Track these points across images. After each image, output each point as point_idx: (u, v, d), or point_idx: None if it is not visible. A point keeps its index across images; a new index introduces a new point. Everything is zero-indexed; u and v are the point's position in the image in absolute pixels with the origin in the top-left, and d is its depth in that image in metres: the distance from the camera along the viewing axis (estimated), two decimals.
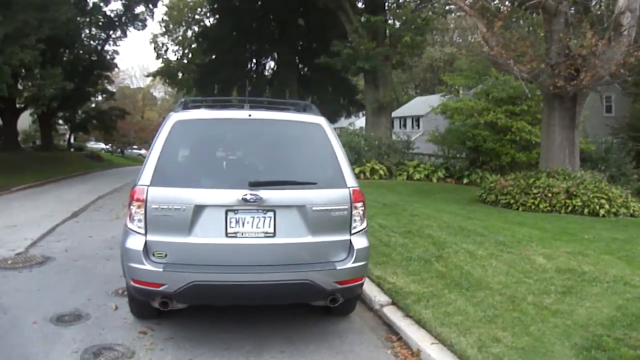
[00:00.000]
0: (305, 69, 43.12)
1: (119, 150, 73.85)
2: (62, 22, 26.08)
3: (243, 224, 5.23)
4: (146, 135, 67.88)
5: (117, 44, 57.63)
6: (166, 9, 53.90)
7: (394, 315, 6.23)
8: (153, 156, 5.38)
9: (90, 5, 39.59)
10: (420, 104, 57.34)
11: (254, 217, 5.24)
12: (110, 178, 29.22)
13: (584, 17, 16.49)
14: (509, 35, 17.56)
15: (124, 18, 43.95)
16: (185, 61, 51.93)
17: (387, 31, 28.59)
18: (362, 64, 26.91)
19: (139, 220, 5.21)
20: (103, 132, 57.58)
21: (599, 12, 17.09)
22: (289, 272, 5.22)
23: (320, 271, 5.31)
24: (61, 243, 10.47)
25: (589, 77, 15.06)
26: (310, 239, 5.34)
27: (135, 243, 5.20)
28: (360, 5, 30.94)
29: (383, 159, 25.11)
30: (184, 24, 54.47)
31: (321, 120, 5.92)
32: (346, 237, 5.50)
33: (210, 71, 41.76)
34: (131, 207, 5.28)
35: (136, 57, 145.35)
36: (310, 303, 5.85)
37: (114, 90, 59.62)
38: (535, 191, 15.07)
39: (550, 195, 14.80)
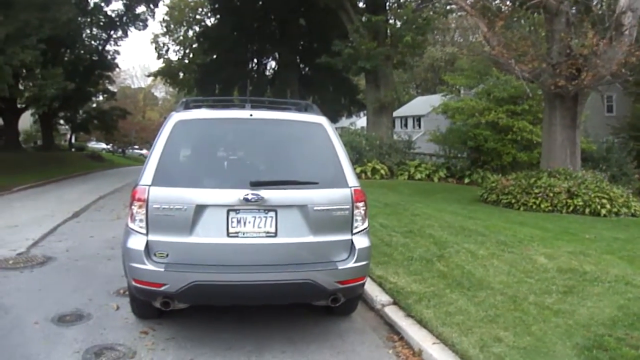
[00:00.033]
0: (307, 69, 43.13)
1: (120, 150, 73.91)
2: (63, 22, 26.13)
3: (244, 223, 5.23)
4: (147, 135, 67.88)
5: (118, 44, 57.75)
6: (167, 9, 53.94)
7: (395, 315, 6.23)
8: (154, 156, 5.37)
9: (91, 5, 39.67)
10: (421, 104, 57.26)
11: (255, 217, 5.24)
12: (111, 178, 29.24)
13: (585, 16, 16.48)
14: (510, 35, 17.56)
15: (125, 18, 44.01)
16: (186, 61, 51.91)
17: (388, 31, 28.58)
18: (363, 64, 26.90)
19: (141, 220, 5.21)
20: (104, 132, 57.60)
21: (600, 12, 17.08)
22: (291, 272, 5.22)
23: (322, 271, 5.30)
24: (62, 243, 10.48)
25: (590, 76, 15.06)
26: (311, 238, 5.33)
27: (137, 243, 5.20)
28: (361, 4, 30.91)
29: (384, 159, 25.10)
30: (185, 23, 54.46)
31: (322, 119, 5.92)
32: (348, 236, 5.50)
33: (211, 71, 41.76)
34: (132, 207, 5.28)
35: (137, 57, 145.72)
36: (312, 303, 5.85)
37: (115, 90, 59.63)
38: (536, 191, 15.06)
39: (551, 195, 14.80)
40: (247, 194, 5.17)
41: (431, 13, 30.23)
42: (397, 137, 29.95)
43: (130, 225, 5.30)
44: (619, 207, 14.60)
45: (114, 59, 47.08)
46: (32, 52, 23.12)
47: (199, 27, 51.47)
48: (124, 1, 42.51)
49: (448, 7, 30.16)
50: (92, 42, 43.95)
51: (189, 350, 5.33)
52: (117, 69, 54.60)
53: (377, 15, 26.85)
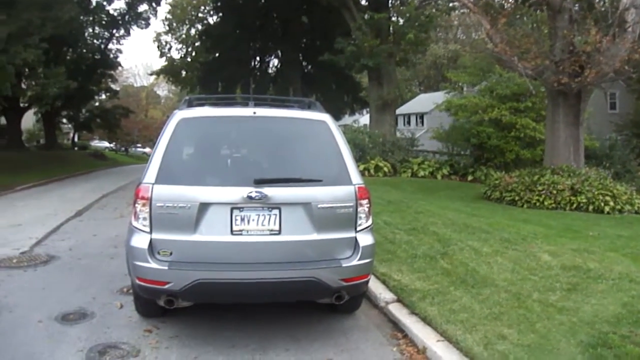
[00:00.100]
0: (309, 67, 43.05)
1: (123, 148, 73.85)
2: (66, 21, 26.09)
3: (248, 221, 5.23)
4: (150, 133, 67.86)
5: (121, 42, 57.84)
6: (169, 7, 53.95)
7: (399, 312, 6.23)
8: (158, 154, 5.37)
9: (94, 4, 39.61)
10: (424, 101, 57.24)
11: (259, 215, 5.24)
12: (114, 176, 29.23)
13: (588, 13, 16.48)
14: (513, 32, 17.55)
15: (127, 17, 43.94)
16: (189, 59, 51.92)
17: (391, 28, 28.52)
18: (366, 61, 26.89)
19: (144, 219, 5.21)
20: (107, 130, 57.49)
21: (603, 9, 17.09)
22: (295, 269, 5.22)
23: (326, 269, 5.30)
24: (65, 242, 10.49)
25: (593, 73, 15.03)
26: (315, 236, 5.33)
27: (141, 241, 5.20)
28: (363, 2, 30.86)
29: (387, 156, 25.07)
30: (187, 22, 54.46)
31: (326, 117, 5.91)
32: (351, 234, 5.50)
33: (213, 69, 41.72)
34: (136, 205, 5.27)
35: (140, 55, 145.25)
36: (316, 301, 5.85)
37: (118, 88, 59.55)
38: (539, 188, 15.04)
39: (554, 192, 14.78)
40: (251, 192, 5.16)
41: (434, 10, 30.22)
42: (400, 135, 29.97)
43: (134, 223, 5.29)
44: (622, 205, 14.58)
45: (117, 57, 47.03)
46: (35, 51, 23.09)
47: (202, 25, 51.48)
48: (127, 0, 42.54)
49: (451, 4, 30.25)
50: (95, 40, 43.96)
51: (192, 349, 5.33)
52: (120, 68, 54.58)
53: (379, 13, 26.79)
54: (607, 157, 24.50)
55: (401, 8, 29.74)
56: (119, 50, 47.81)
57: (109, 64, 45.80)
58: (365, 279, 5.67)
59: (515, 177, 16.35)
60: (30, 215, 13.77)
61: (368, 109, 35.96)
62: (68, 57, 39.74)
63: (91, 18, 40.65)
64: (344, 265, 5.36)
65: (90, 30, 42.74)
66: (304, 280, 5.22)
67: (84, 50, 42.16)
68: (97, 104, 53.90)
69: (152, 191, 5.19)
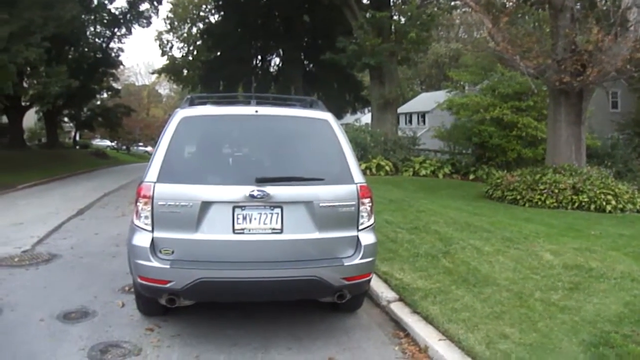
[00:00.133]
0: (311, 66, 43.03)
1: (125, 147, 73.94)
2: (67, 20, 26.07)
3: (250, 220, 5.22)
4: (151, 132, 67.97)
5: (122, 41, 57.70)
6: (171, 6, 53.80)
7: (401, 311, 6.22)
8: (160, 153, 5.36)
9: (95, 2, 39.55)
10: (426, 100, 57.16)
11: (261, 214, 5.23)
12: (116, 175, 29.25)
13: (590, 12, 16.47)
14: (515, 31, 17.54)
15: (128, 15, 43.95)
16: (190, 58, 51.79)
17: (393, 27, 28.50)
18: (367, 60, 26.84)
19: (146, 217, 5.20)
20: (108, 129, 57.58)
21: (605, 8, 17.06)
22: (297, 268, 5.21)
23: (328, 267, 5.30)
24: (67, 240, 10.50)
25: (595, 72, 15.03)
26: (317, 235, 5.32)
27: (142, 240, 5.19)
28: (365, 1, 30.82)
29: (389, 155, 25.06)
30: (188, 20, 54.34)
31: (328, 116, 5.91)
32: (353, 233, 5.49)
33: (215, 68, 41.71)
34: (138, 203, 5.27)
35: (141, 54, 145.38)
36: (318, 299, 5.85)
37: (119, 87, 59.57)
38: (541, 187, 15.04)
39: (556, 191, 14.77)
40: (253, 191, 5.16)
41: (435, 9, 30.25)
42: (401, 134, 29.91)
43: (136, 222, 5.29)
44: (624, 204, 14.58)
45: (118, 56, 47.08)
46: (36, 50, 23.08)
47: (203, 24, 51.37)
48: None
49: (452, 3, 30.32)
50: (96, 39, 43.99)
51: (194, 347, 5.33)
52: (121, 67, 54.68)
53: (381, 12, 26.76)
54: (609, 156, 24.53)
55: (403, 7, 29.76)
56: (121, 49, 47.75)
57: (111, 62, 45.86)
58: (367, 278, 5.66)
59: (517, 176, 16.34)
60: (32, 213, 13.77)
61: (369, 108, 35.97)
62: (70, 56, 39.75)
63: (93, 17, 40.63)
64: (345, 264, 5.35)
65: (92, 29, 42.79)
66: (305, 279, 5.22)
67: (86, 49, 42.14)
68: (98, 102, 53.93)
69: (154, 190, 5.19)
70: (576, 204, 14.49)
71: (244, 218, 5.21)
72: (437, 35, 58.59)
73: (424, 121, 55.08)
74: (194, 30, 53.45)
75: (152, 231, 5.19)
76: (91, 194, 18.59)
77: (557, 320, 5.61)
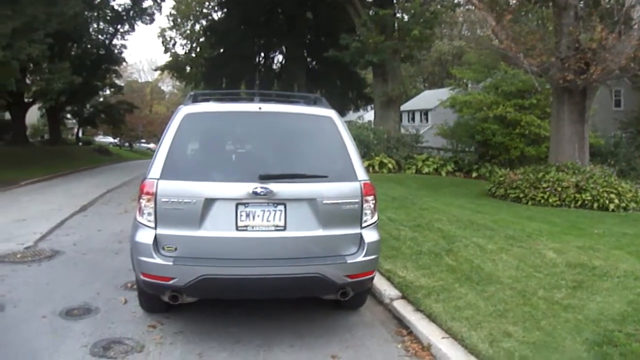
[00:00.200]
0: (314, 63, 43.07)
1: (127, 144, 73.99)
2: (70, 17, 26.08)
3: (253, 217, 5.21)
4: (154, 129, 68.02)
5: (125, 38, 57.87)
6: (174, 2, 53.69)
7: (404, 309, 6.21)
8: (163, 149, 5.35)
9: None
10: (428, 98, 57.17)
11: (264, 211, 5.22)
12: (119, 172, 29.25)
13: (594, 10, 16.42)
14: (518, 29, 17.52)
15: (131, 12, 44.01)
16: (193, 55, 51.72)
17: (396, 24, 28.49)
18: (370, 58, 26.84)
19: (149, 214, 5.19)
20: (111, 126, 57.66)
21: (608, 6, 17.01)
22: (300, 265, 5.20)
23: (331, 265, 5.28)
24: (70, 237, 10.50)
25: (598, 70, 15.01)
26: (321, 232, 5.31)
27: (145, 237, 5.18)
28: None
29: (392, 153, 25.06)
30: (192, 17, 54.24)
31: (331, 113, 5.89)
32: (357, 230, 5.47)
33: (218, 65, 41.75)
34: (141, 200, 5.26)
35: (144, 51, 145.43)
36: (321, 297, 5.84)
37: (122, 84, 59.62)
38: (544, 185, 15.02)
39: (559, 189, 14.75)
40: (256, 188, 5.14)
41: (439, 6, 30.23)
42: (404, 131, 29.93)
43: (139, 219, 5.28)
44: (627, 202, 14.55)
45: (121, 53, 47.13)
46: (39, 47, 23.08)
47: (206, 21, 51.30)
48: None
49: (456, 1, 30.25)
50: (99, 36, 44.05)
51: (197, 344, 5.33)
52: (124, 63, 54.56)
53: (384, 9, 26.76)
54: (612, 155, 24.51)
55: (406, 4, 29.66)
56: (124, 46, 47.80)
57: (114, 59, 45.89)
58: (370, 276, 5.65)
59: (520, 174, 16.33)
60: (35, 210, 13.78)
61: (372, 105, 35.97)
62: (72, 53, 39.82)
63: (96, 13, 40.70)
64: (349, 261, 5.34)
65: (95, 25, 42.83)
66: (309, 277, 5.20)
67: (89, 46, 42.21)
68: (101, 99, 54.11)
69: (157, 186, 5.18)
70: (579, 202, 14.48)
71: (247, 215, 5.20)
72: (440, 33, 58.47)
73: (426, 119, 55.02)
74: (197, 27, 53.35)
75: (155, 228, 5.17)
76: (94, 190, 18.59)
77: (560, 318, 5.60)
